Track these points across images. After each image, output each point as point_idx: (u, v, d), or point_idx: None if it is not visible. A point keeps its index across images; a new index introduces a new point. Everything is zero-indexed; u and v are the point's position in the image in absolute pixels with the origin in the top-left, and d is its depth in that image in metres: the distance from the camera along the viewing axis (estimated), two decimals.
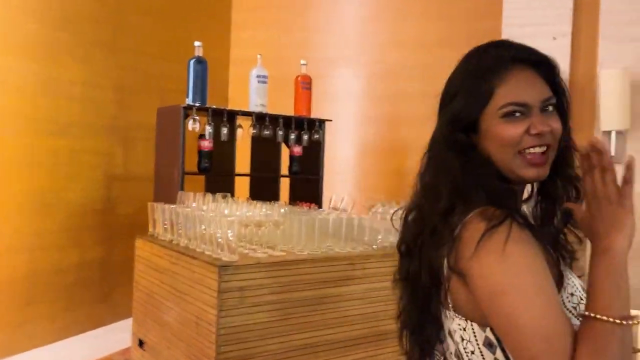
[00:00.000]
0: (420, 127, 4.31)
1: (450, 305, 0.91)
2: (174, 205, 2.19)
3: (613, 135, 3.56)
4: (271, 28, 5.10)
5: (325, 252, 2.04)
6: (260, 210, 1.95)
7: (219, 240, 1.84)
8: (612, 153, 3.59)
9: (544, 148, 0.94)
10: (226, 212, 2.09)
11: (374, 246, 2.17)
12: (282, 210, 2.01)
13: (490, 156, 0.95)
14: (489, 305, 0.84)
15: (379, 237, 2.18)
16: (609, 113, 3.53)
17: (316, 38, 4.95)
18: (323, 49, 4.91)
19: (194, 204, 2.25)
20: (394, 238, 2.22)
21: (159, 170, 3.47)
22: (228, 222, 1.82)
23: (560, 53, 3.81)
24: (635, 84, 3.52)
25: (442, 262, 0.90)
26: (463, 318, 0.90)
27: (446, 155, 0.97)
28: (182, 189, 3.21)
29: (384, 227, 2.21)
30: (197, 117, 3.21)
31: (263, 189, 3.77)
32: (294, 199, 3.91)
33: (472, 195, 0.91)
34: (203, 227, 1.96)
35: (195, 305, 1.86)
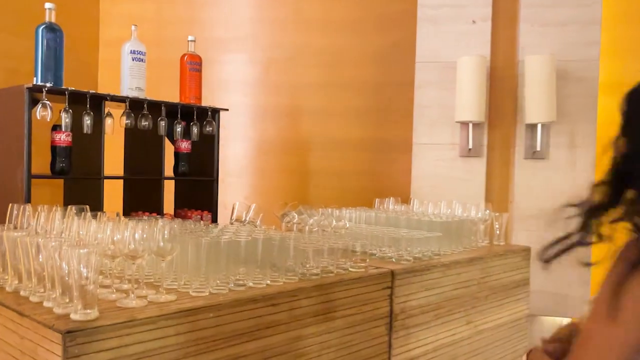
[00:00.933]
0: (323, 120, 3.75)
1: None
2: None
3: (539, 128, 3.26)
4: (149, 2, 4.31)
5: (234, 289, 1.41)
6: (136, 230, 1.27)
7: (68, 282, 1.15)
8: (538, 148, 3.29)
9: None
10: (82, 234, 1.38)
11: (302, 274, 1.57)
12: (168, 229, 1.35)
13: None
14: None
15: (309, 260, 1.59)
16: (534, 104, 3.22)
17: (203, 15, 4.25)
18: (211, 29, 4.22)
19: (32, 223, 1.51)
20: (327, 261, 1.64)
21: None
22: (82, 254, 1.13)
23: (480, 38, 3.46)
24: (561, 73, 3.24)
25: None
26: None
27: None
28: (28, 199, 2.40)
29: (313, 247, 1.62)
30: (49, 103, 2.42)
31: (142, 196, 3.03)
32: (182, 205, 3.21)
33: None
34: (41, 260, 1.25)
35: None
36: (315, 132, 4.12)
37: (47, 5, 2.50)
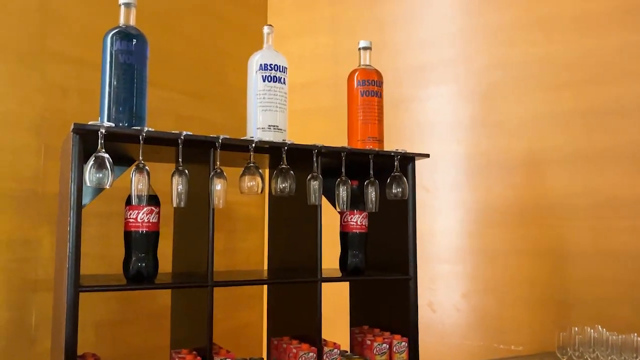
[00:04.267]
0: (587, 169, 2.01)
1: None
2: None
3: None
4: (322, 33, 3.29)
5: None
6: None
7: None
8: None
9: None
10: None
11: None
12: None
13: None
14: None
15: None
16: None
17: (392, 39, 3.06)
18: (405, 55, 3.01)
19: None
20: None
21: (57, 270, 1.63)
22: None
23: None
24: None
25: None
26: None
27: None
28: (74, 322, 1.33)
29: None
30: (107, 156, 1.36)
31: (292, 310, 1.80)
32: (360, 322, 1.92)
33: None
34: None
35: None
36: (575, 190, 2.54)
37: (122, 0, 1.51)
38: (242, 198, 1.56)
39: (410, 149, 1.83)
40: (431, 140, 2.88)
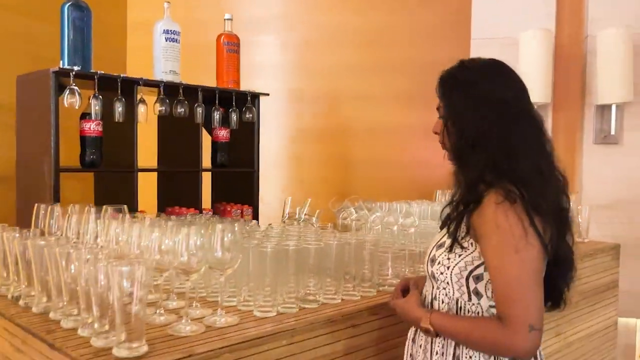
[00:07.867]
0: (365, 105, 3.44)
1: None
2: (16, 232, 1.20)
3: (613, 110, 2.93)
4: None
5: (305, 305, 1.16)
6: (184, 237, 1.02)
7: (107, 304, 0.91)
8: (612, 132, 2.97)
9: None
10: (121, 241, 1.14)
11: (379, 284, 1.31)
12: (228, 233, 1.09)
13: None
14: None
15: (387, 269, 1.33)
16: (608, 83, 2.89)
17: None
18: (242, 9, 3.95)
19: (62, 226, 1.28)
20: (405, 268, 1.38)
21: (23, 166, 2.40)
22: (124, 270, 0.88)
23: (544, 10, 3.14)
24: (638, 48, 2.90)
25: None
26: None
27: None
28: (56, 193, 2.18)
29: (392, 253, 1.35)
30: (77, 88, 2.18)
31: (178, 190, 2.79)
32: (220, 199, 2.98)
33: None
34: (72, 272, 1.01)
35: None
36: (357, 119, 3.84)
37: None
38: None
39: (244, 83, 2.84)
40: (261, 77, 3.92)
